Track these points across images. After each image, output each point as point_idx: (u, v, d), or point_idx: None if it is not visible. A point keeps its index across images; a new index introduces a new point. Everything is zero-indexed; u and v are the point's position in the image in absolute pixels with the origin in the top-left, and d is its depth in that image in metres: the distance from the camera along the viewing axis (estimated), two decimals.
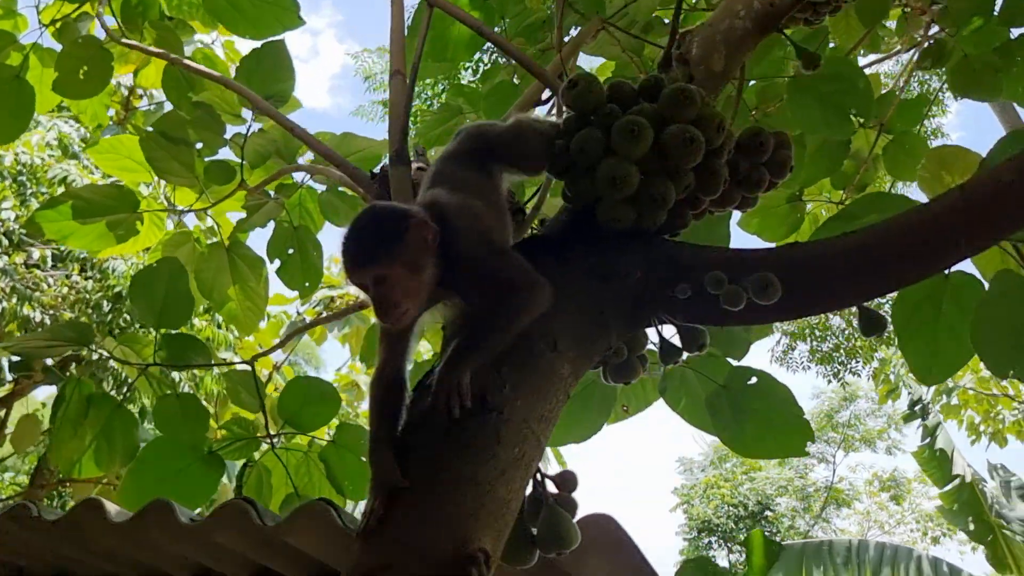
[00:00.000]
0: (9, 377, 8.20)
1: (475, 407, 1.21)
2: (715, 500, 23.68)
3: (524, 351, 1.30)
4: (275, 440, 3.96)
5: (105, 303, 6.90)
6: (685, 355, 1.46)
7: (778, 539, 21.16)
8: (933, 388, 11.57)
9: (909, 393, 11.37)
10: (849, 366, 12.87)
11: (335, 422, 4.70)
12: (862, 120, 3.53)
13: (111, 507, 2.56)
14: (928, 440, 10.44)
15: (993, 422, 11.78)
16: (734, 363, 3.15)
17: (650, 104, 1.43)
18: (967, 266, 2.71)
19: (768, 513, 22.47)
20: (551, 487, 1.44)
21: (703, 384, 3.20)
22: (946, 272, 2.54)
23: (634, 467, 63.64)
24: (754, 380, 3.12)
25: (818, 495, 23.98)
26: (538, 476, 1.41)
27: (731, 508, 22.89)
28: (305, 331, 6.58)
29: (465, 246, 1.35)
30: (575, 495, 1.46)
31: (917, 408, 10.86)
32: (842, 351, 12.57)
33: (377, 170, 2.53)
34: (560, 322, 1.35)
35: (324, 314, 9.24)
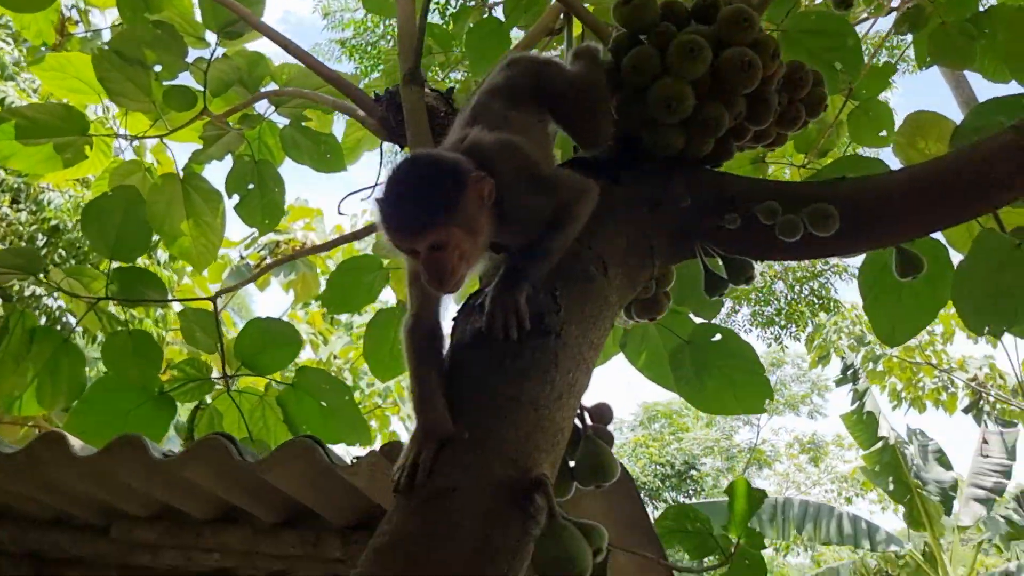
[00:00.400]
0: None
1: (533, 329, 1.14)
2: (643, 459, 24.24)
3: (578, 274, 1.24)
4: (231, 382, 3.83)
5: (40, 236, 6.53)
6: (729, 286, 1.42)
7: (703, 497, 21.86)
8: (862, 355, 12.00)
9: (841, 359, 11.78)
10: (789, 330, 13.21)
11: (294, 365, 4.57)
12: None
13: (75, 442, 2.42)
14: (857, 404, 10.85)
15: (914, 389, 12.29)
16: (697, 320, 3.17)
17: (705, 26, 1.37)
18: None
19: (694, 472, 23.12)
20: (587, 418, 1.39)
21: (665, 340, 3.21)
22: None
23: None
24: (718, 337, 3.15)
25: (742, 456, 24.76)
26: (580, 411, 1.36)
27: (658, 467, 23.48)
28: (268, 271, 6.38)
29: (513, 191, 1.23)
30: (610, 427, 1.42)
31: (849, 373, 11.26)
32: (783, 316, 12.88)
33: (381, 92, 2.39)
34: (610, 247, 1.30)
35: (268, 259, 8.99)
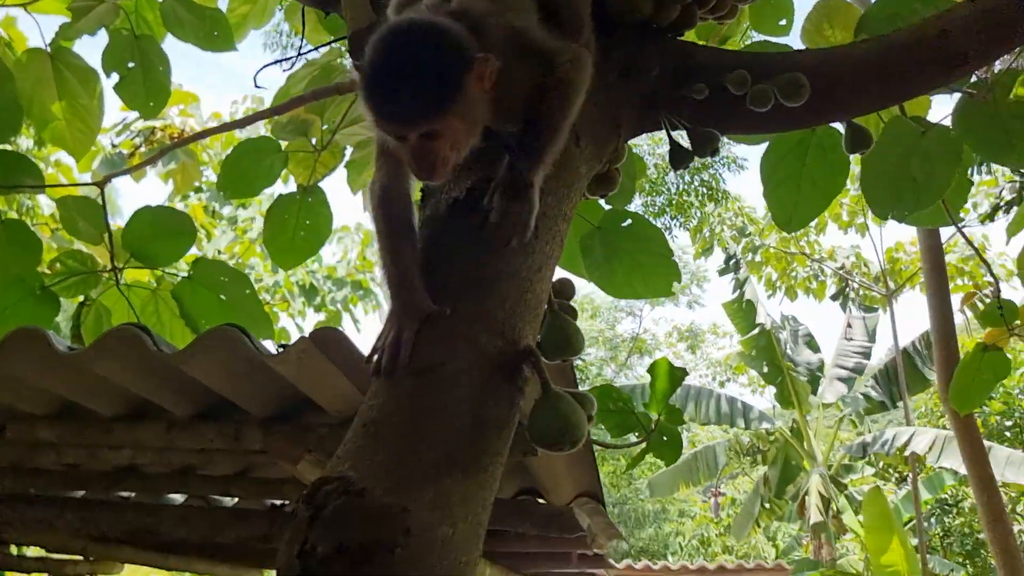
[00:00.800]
0: None
1: (513, 197, 1.09)
2: None
3: None
4: (119, 275, 3.59)
5: None
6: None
7: (587, 386, 22.74)
8: (742, 246, 12.55)
9: (724, 250, 12.28)
10: (679, 221, 13.60)
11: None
12: None
13: None
14: (737, 293, 11.39)
15: (787, 278, 13.01)
16: (606, 207, 3.18)
17: None
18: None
19: (578, 362, 23.93)
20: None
21: (576, 226, 3.22)
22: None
23: None
24: (628, 222, 3.17)
25: (624, 346, 25.81)
26: None
27: None
28: (159, 158, 5.94)
29: (507, 62, 1.10)
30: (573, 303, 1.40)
31: (731, 263, 11.77)
32: (673, 207, 13.20)
33: None
34: (581, 116, 1.24)
35: (143, 147, 8.41)
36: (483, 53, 1.02)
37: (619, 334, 26.35)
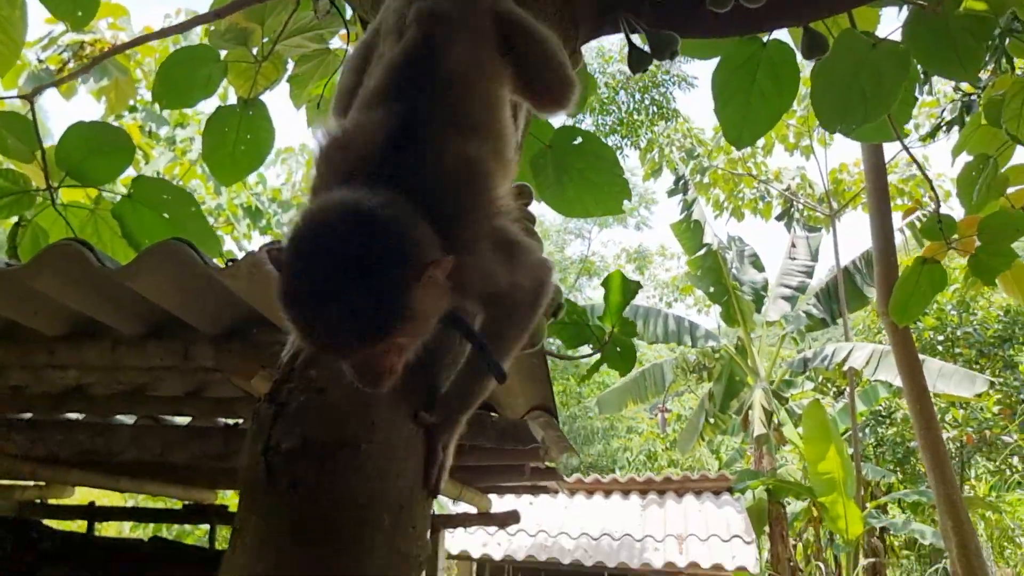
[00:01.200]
0: None
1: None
2: None
3: None
4: (54, 194, 3.47)
5: None
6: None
7: None
8: (691, 167, 12.61)
9: (673, 171, 12.33)
10: (628, 141, 13.53)
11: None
12: None
13: None
14: (685, 214, 11.49)
15: (735, 199, 13.17)
16: (556, 125, 3.15)
17: None
18: (784, 36, 2.82)
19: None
20: None
21: (528, 146, 3.18)
22: (764, 41, 2.62)
23: None
24: (579, 140, 3.15)
25: (573, 268, 25.98)
26: None
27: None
28: (88, 70, 5.66)
29: (473, 255, 0.96)
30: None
31: (680, 184, 11.83)
32: (624, 126, 13.13)
33: None
34: (537, 15, 1.21)
35: (71, 62, 8.01)
36: (437, 252, 0.85)
37: (568, 257, 26.50)
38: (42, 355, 2.56)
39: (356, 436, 0.81)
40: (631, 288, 2.59)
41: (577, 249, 27.28)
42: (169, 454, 2.85)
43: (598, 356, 2.66)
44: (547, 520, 10.02)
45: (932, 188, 4.57)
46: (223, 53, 3.53)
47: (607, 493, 11.09)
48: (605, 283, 2.59)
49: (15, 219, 3.90)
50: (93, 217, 3.54)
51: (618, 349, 2.66)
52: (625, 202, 3.11)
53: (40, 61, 8.13)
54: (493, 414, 3.47)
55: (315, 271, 0.79)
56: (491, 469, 4.70)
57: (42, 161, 3.48)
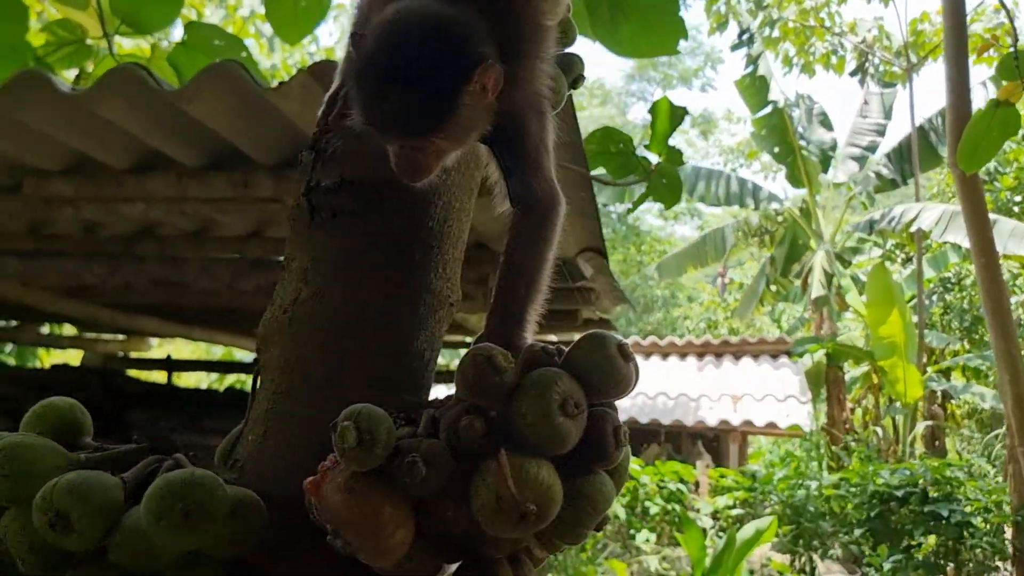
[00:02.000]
0: None
1: None
2: None
3: None
4: (111, 43, 3.53)
5: None
6: None
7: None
8: (759, 19, 12.00)
9: (738, 23, 11.75)
10: None
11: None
12: None
13: None
14: (750, 69, 11.05)
15: (806, 54, 12.54)
16: None
17: None
18: None
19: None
20: None
21: None
22: None
23: None
24: None
25: (636, 133, 25.41)
26: None
27: None
28: None
29: (521, 112, 0.93)
30: None
31: (744, 37, 11.32)
32: None
33: None
34: None
35: None
36: (490, 58, 0.85)
37: (630, 121, 25.88)
38: (111, 187, 2.69)
39: (391, 177, 0.87)
40: (678, 114, 2.56)
41: (639, 112, 26.62)
42: (236, 283, 3.01)
43: (645, 187, 2.66)
44: None
45: (1012, 23, 4.30)
46: None
47: (664, 355, 11.28)
48: (652, 110, 2.56)
49: (76, 72, 4.01)
50: (150, 66, 3.61)
51: (664, 180, 2.66)
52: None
53: None
54: None
55: (380, 60, 0.84)
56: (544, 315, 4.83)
57: (97, 8, 3.53)
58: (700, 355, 11.07)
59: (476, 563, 0.76)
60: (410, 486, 0.69)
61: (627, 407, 9.43)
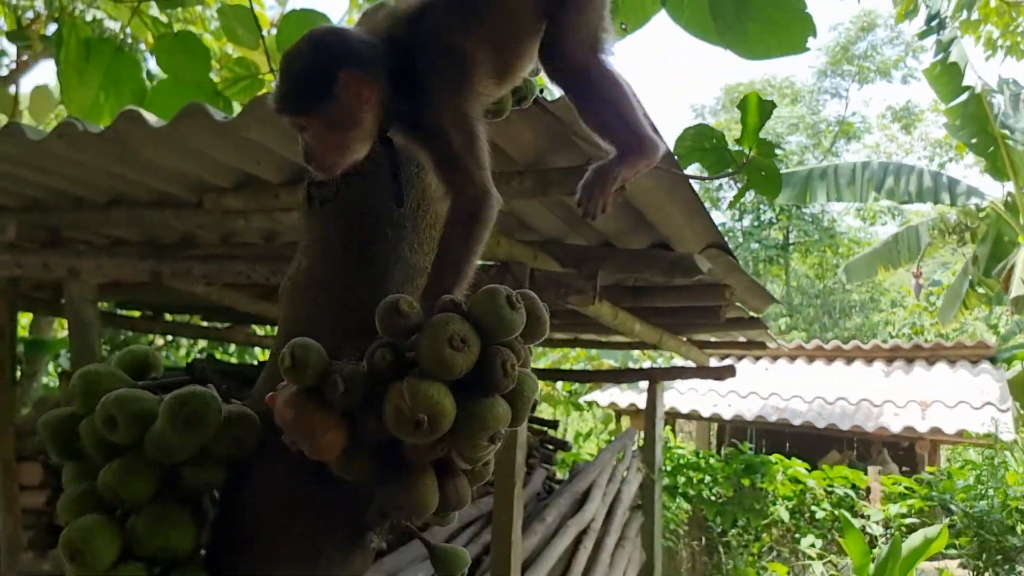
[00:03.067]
0: (11, 55, 8.15)
1: None
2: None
3: None
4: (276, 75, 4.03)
5: None
6: None
7: (784, 168, 21.81)
8: (954, 3, 11.14)
9: (927, 7, 10.97)
10: None
11: None
12: None
13: (149, 116, 2.72)
14: (941, 55, 10.31)
15: (1011, 35, 11.47)
16: None
17: None
18: None
19: (778, 151, 22.70)
20: None
21: None
22: None
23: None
24: None
25: (829, 131, 24.16)
26: None
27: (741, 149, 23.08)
28: None
29: (432, 107, 1.12)
30: None
31: (934, 23, 10.57)
32: None
33: None
34: None
35: None
36: (361, 70, 1.07)
37: (823, 118, 24.63)
38: (270, 199, 3.14)
39: (363, 175, 1.11)
40: (767, 108, 2.61)
41: (834, 109, 25.27)
42: None
43: (744, 181, 2.73)
44: (782, 384, 9.99)
45: None
46: None
47: (849, 360, 10.75)
48: (740, 105, 2.63)
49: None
50: None
51: (762, 173, 2.71)
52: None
53: None
54: (664, 250, 3.65)
55: (284, 64, 1.09)
56: (687, 312, 4.88)
57: (265, 49, 4.07)
58: (888, 360, 10.44)
59: (402, 465, 0.97)
60: (334, 399, 0.92)
61: (803, 411, 9.11)
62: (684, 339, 6.21)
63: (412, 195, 1.17)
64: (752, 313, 5.38)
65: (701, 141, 2.75)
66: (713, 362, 9.25)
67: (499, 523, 3.24)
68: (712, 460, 7.51)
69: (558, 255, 3.69)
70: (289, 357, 0.91)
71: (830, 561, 6.35)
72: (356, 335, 1.07)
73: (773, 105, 2.63)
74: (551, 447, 6.98)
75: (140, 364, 1.16)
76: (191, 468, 1.03)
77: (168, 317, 7.01)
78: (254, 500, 1.05)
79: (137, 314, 6.98)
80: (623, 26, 3.41)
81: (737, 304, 5.02)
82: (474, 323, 0.94)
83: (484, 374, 0.94)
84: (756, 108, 2.63)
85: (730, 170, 2.70)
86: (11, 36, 7.23)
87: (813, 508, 6.54)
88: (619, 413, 11.22)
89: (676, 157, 2.77)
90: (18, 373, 8.84)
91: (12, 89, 8.15)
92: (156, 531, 0.98)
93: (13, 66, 8.16)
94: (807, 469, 6.97)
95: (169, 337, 10.67)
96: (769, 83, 24.78)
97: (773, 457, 7.20)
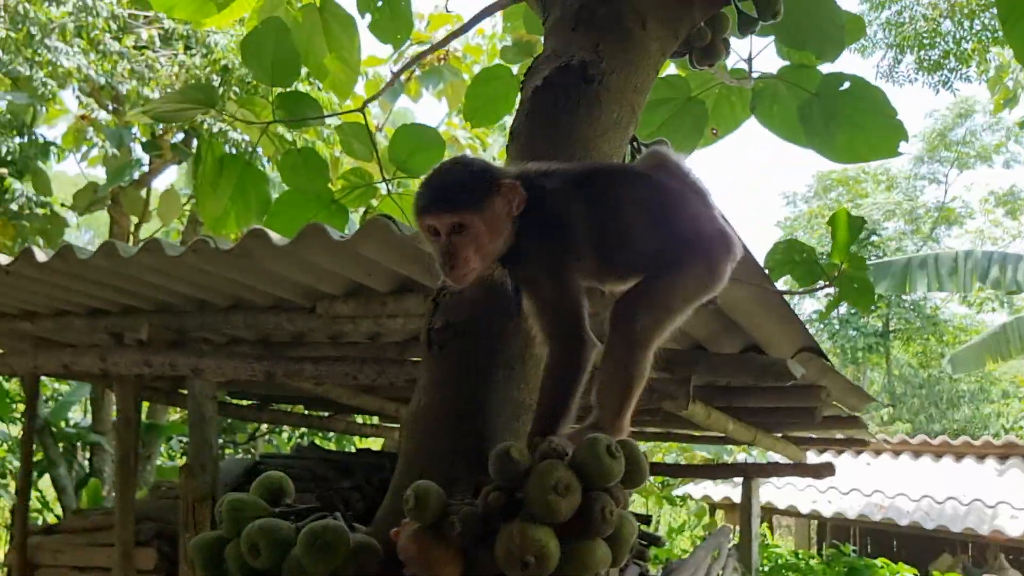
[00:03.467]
0: (145, 160, 8.90)
1: (577, 79, 1.43)
2: (819, 230, 23.59)
3: (617, 30, 1.49)
4: (390, 185, 4.32)
5: (214, 77, 7.23)
6: (759, 25, 1.60)
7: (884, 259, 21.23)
8: None
9: None
10: (960, 72, 11.97)
11: None
12: None
13: (273, 235, 2.99)
14: None
15: None
16: (825, 72, 3.19)
17: None
18: None
19: (875, 238, 22.23)
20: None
21: (794, 95, 3.27)
22: None
23: (739, 202, 63.71)
24: (847, 85, 3.16)
25: (928, 216, 23.51)
26: (635, 143, 1.65)
27: None
28: (399, 76, 6.77)
29: (530, 249, 1.22)
30: None
31: None
32: (952, 57, 11.65)
33: None
34: (646, 1, 1.52)
35: (417, 71, 9.36)
36: (514, 182, 1.20)
37: (921, 204, 24.01)
38: (378, 307, 3.35)
39: (477, 319, 1.25)
40: (856, 224, 2.67)
41: (933, 195, 24.63)
42: None
43: (836, 294, 2.77)
44: (886, 481, 9.56)
45: None
46: (515, 69, 4.09)
47: (958, 456, 10.22)
48: (831, 221, 2.70)
49: (363, 208, 4.90)
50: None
51: (855, 285, 2.75)
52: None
53: (393, 73, 9.58)
54: (757, 353, 3.68)
55: (436, 175, 1.23)
56: (779, 412, 4.82)
57: (378, 159, 4.37)
58: (1002, 457, 9.87)
59: None
60: (451, 537, 1.03)
61: (911, 511, 8.66)
62: (779, 435, 6.11)
63: (519, 337, 1.30)
64: (849, 411, 5.28)
65: (791, 255, 2.82)
66: (811, 456, 8.99)
67: None
68: (813, 562, 7.22)
69: None
70: (413, 499, 1.04)
71: None
72: (469, 463, 1.19)
73: (863, 221, 2.69)
74: (644, 542, 6.86)
75: (276, 490, 1.31)
76: None
77: (274, 406, 7.33)
78: None
79: (246, 403, 7.33)
80: (714, 131, 3.55)
81: (834, 403, 4.94)
82: (576, 470, 1.05)
83: (585, 518, 1.04)
84: (846, 224, 2.69)
85: (821, 283, 2.75)
86: (146, 147, 7.95)
87: None
88: (713, 507, 10.91)
89: (767, 270, 2.84)
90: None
91: (143, 193, 8.89)
92: None
93: (146, 170, 8.90)
94: (915, 575, 6.62)
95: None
96: (863, 170, 24.40)
97: (879, 561, 6.87)
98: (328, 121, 7.38)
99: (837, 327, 22.47)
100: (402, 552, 1.06)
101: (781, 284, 3.21)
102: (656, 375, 3.57)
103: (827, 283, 2.70)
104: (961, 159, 22.97)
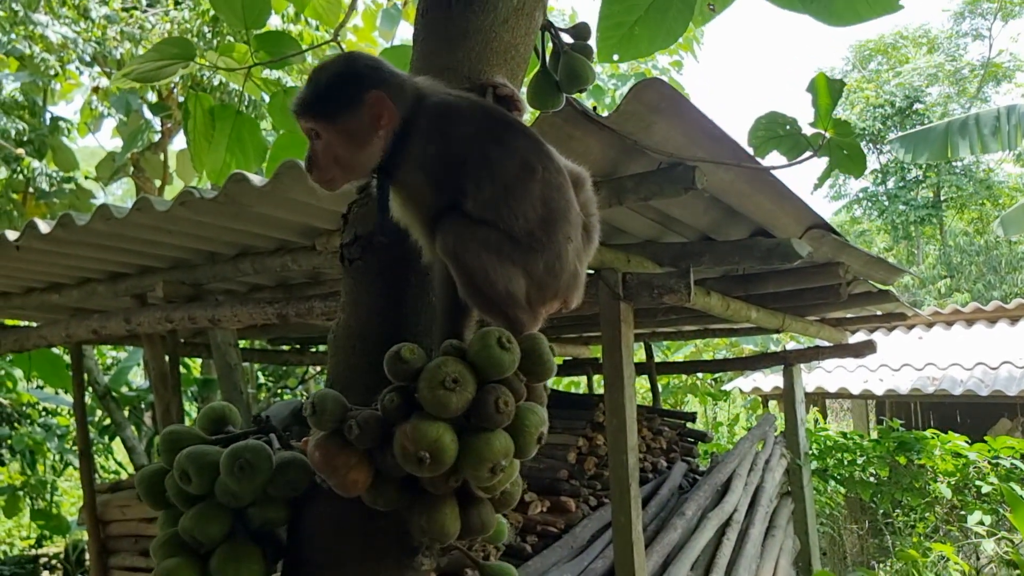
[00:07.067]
0: (157, 125, 8.97)
1: None
2: (859, 104, 22.68)
3: None
4: None
5: (206, 28, 7.18)
6: None
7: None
8: None
9: None
10: None
11: None
12: None
13: (253, 177, 3.00)
14: None
15: None
16: None
17: None
18: None
19: (918, 106, 21.31)
20: (567, 38, 1.62)
21: None
22: None
23: (776, 86, 61.71)
24: None
25: (974, 76, 22.38)
26: (552, 30, 1.59)
27: (877, 109, 21.86)
28: None
29: (407, 165, 1.16)
30: (589, 42, 1.64)
31: None
32: None
33: None
34: None
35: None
36: (383, 96, 1.12)
37: (966, 63, 22.82)
38: None
39: (379, 230, 1.24)
40: (836, 87, 2.55)
41: (977, 52, 23.42)
42: None
43: (827, 162, 2.67)
44: (939, 353, 9.41)
45: None
46: None
47: (1013, 320, 9.99)
48: (810, 87, 2.58)
49: None
50: None
51: (844, 151, 2.65)
52: None
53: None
54: (760, 237, 3.60)
55: (315, 74, 1.17)
56: (804, 294, 4.73)
57: None
58: None
59: (425, 496, 1.09)
60: (353, 441, 1.04)
61: (964, 379, 8.53)
62: (812, 319, 6.02)
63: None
64: (880, 285, 5.16)
65: (774, 129, 2.71)
66: (861, 337, 8.86)
67: (618, 525, 3.29)
68: (862, 439, 7.20)
69: (656, 255, 3.71)
70: (311, 407, 1.05)
71: (1005, 538, 5.94)
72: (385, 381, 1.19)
73: (842, 84, 2.57)
74: (691, 440, 6.93)
75: (218, 419, 1.34)
76: (255, 509, 1.18)
77: (313, 348, 7.49)
78: (314, 533, 1.19)
79: (287, 348, 7.50)
80: (711, 6, 3.40)
81: (863, 279, 4.84)
82: (470, 364, 1.05)
83: (480, 411, 1.03)
84: (826, 89, 2.57)
85: (808, 153, 2.65)
86: (153, 108, 7.98)
87: (978, 483, 6.14)
88: (765, 398, 10.91)
89: (752, 148, 2.75)
90: (195, 410, 9.68)
91: (161, 156, 8.97)
92: (229, 567, 1.14)
93: (160, 133, 8.97)
94: (967, 441, 6.55)
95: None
96: (900, 35, 23.25)
97: (928, 432, 6.81)
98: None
99: (887, 203, 21.82)
100: (310, 459, 1.08)
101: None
102: (660, 271, 3.51)
103: (814, 153, 2.60)
104: (1005, 8, 21.66)
